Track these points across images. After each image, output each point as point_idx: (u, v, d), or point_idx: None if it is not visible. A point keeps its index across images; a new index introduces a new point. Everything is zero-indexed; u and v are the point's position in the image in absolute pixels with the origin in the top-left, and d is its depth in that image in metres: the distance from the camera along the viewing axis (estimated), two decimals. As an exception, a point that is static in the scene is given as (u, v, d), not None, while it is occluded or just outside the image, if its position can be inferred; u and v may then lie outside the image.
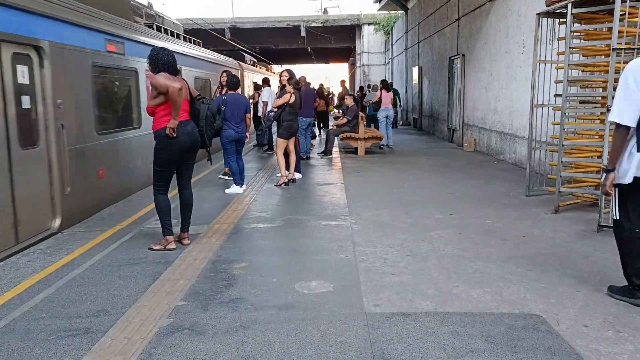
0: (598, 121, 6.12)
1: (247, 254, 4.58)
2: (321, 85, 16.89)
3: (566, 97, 5.87)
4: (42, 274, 4.14)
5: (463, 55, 13.11)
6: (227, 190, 7.42)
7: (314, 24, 28.93)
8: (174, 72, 4.61)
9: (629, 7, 5.03)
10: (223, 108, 7.23)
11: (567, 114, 5.97)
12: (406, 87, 22.34)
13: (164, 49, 4.64)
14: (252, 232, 5.33)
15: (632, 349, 2.84)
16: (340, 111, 16.01)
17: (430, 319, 3.22)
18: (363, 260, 4.37)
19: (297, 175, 8.44)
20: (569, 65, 5.83)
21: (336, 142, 12.65)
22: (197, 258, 4.47)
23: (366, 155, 11.48)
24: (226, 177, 8.35)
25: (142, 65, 7.90)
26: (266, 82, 12.64)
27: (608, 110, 4.74)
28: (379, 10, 26.69)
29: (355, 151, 11.79)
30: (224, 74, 8.53)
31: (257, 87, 13.78)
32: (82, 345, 2.95)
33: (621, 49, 5.10)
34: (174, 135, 4.48)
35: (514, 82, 9.74)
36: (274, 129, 8.30)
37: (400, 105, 20.26)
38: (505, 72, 10.19)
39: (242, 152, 7.78)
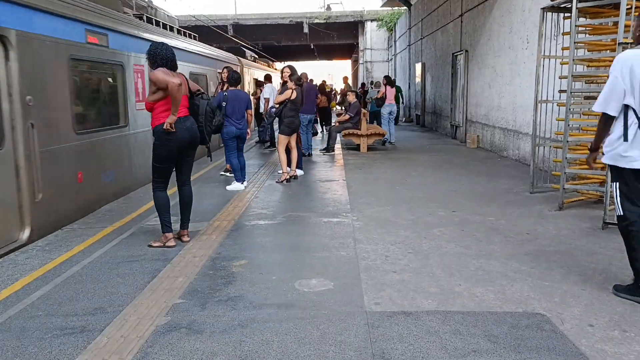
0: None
1: (247, 252, 4.53)
2: (323, 81, 16.84)
3: (571, 92, 5.80)
4: (40, 271, 4.10)
5: (466, 51, 13.01)
6: (228, 187, 7.38)
7: (316, 21, 28.83)
8: (173, 67, 4.56)
9: (636, 0, 4.95)
10: (224, 104, 7.18)
11: (571, 109, 5.89)
12: (409, 83, 22.24)
13: (163, 44, 4.59)
14: (253, 229, 5.28)
15: (639, 349, 2.78)
16: (343, 108, 15.95)
17: (432, 318, 3.16)
18: (364, 257, 4.32)
19: (299, 172, 8.40)
20: (573, 60, 5.76)
21: (338, 138, 12.59)
22: (196, 255, 4.43)
23: (368, 152, 11.42)
24: (227, 174, 8.30)
25: (129, 58, 7.44)
26: (268, 78, 12.59)
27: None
28: (382, 6, 26.62)
29: (357, 148, 11.72)
30: (225, 70, 8.44)
31: (259, 84, 13.74)
32: (78, 344, 2.91)
33: (627, 43, 5.01)
34: (173, 130, 4.43)
35: (517, 78, 9.66)
36: (276, 125, 8.24)
37: (402, 102, 20.16)
38: (509, 68, 10.10)
39: (244, 148, 7.74)
